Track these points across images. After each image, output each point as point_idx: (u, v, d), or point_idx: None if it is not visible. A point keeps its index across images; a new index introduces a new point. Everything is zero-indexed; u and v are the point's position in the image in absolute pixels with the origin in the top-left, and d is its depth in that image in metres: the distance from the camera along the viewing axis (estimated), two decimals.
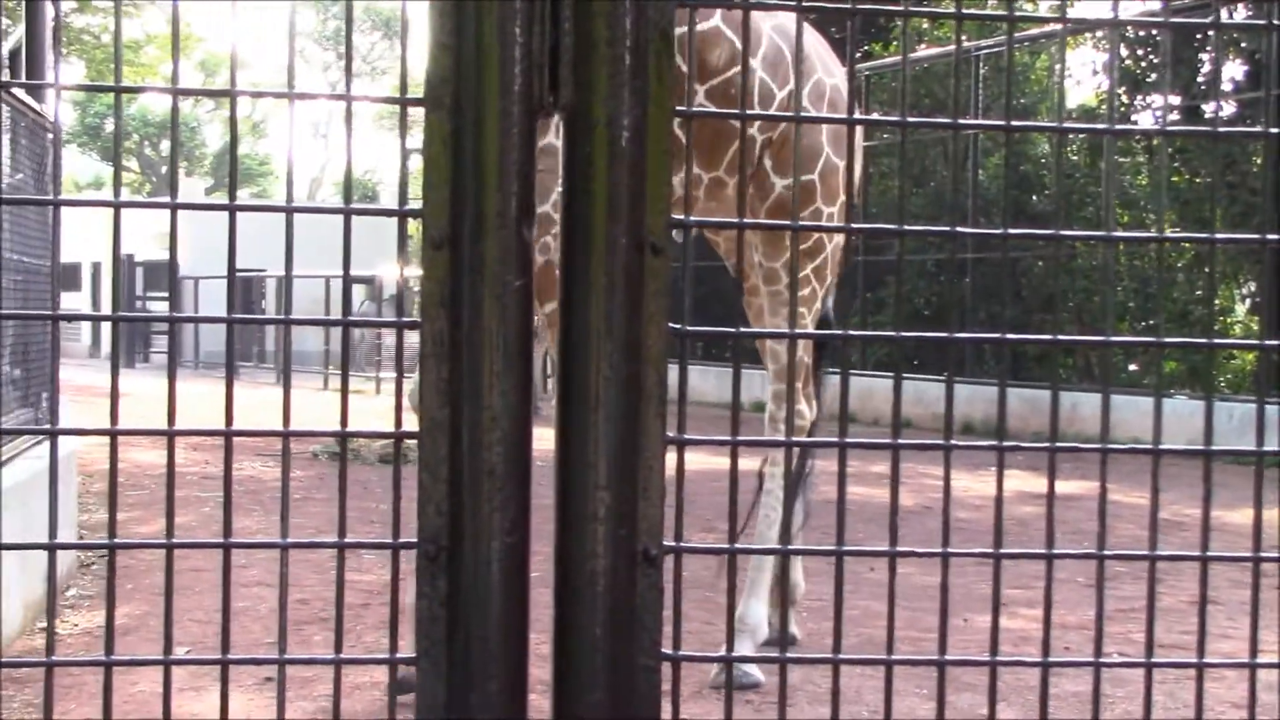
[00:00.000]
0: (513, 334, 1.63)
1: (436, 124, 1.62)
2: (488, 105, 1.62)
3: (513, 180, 1.63)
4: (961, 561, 1.72)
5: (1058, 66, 19.54)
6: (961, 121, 1.76)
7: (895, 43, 21.36)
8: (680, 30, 5.80)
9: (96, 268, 37.26)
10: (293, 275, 1.65)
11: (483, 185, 1.62)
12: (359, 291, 27.85)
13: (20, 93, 6.97)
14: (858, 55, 24.00)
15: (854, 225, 1.72)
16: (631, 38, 1.64)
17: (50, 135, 7.83)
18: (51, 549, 1.64)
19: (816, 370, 6.35)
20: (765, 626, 5.80)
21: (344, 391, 1.76)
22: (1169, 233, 1.81)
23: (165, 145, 55.84)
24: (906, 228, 1.76)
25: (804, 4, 1.73)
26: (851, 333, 1.80)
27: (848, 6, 1.72)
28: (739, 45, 5.57)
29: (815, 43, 5.96)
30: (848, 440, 1.77)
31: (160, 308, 34.28)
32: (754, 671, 5.60)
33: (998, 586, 1.75)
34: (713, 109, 4.63)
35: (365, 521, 9.07)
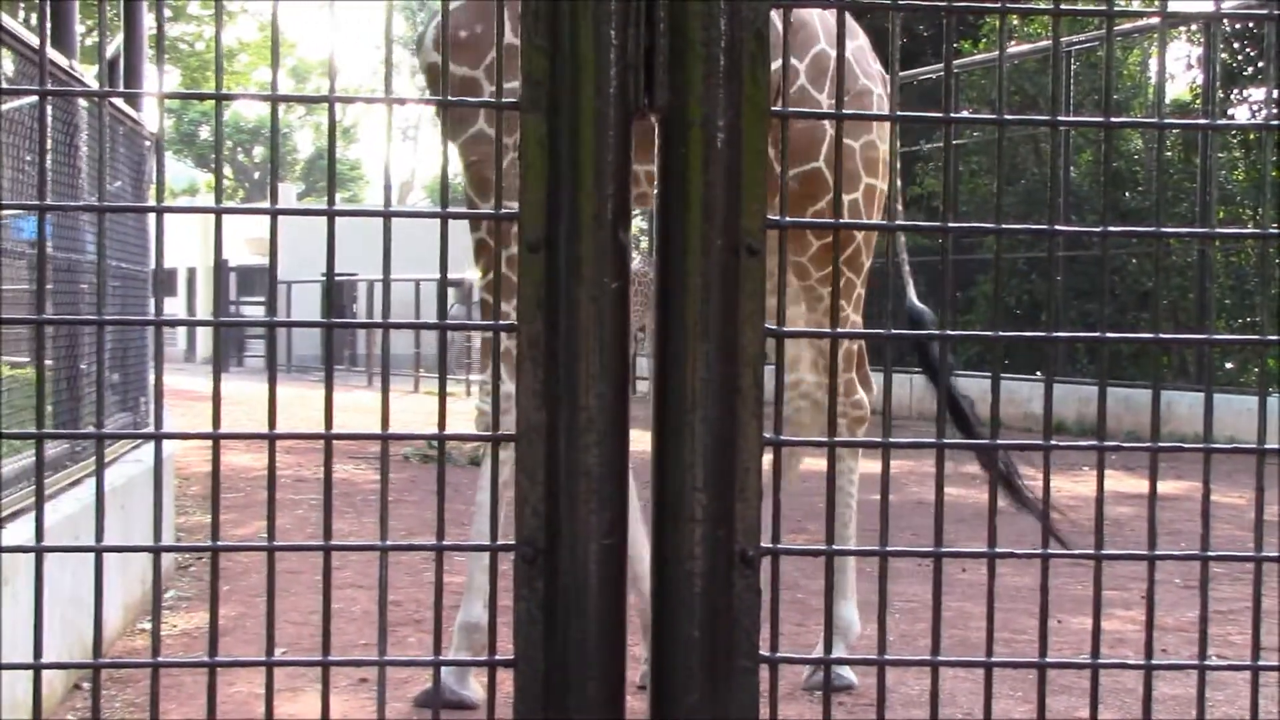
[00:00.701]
0: (609, 336, 1.63)
1: (532, 126, 1.63)
2: (583, 107, 1.63)
3: (608, 182, 1.63)
4: (1053, 562, 1.70)
5: (1152, 61, 19.31)
6: (1060, 118, 1.74)
7: (985, 40, 21.18)
8: None
9: (191, 273, 37.73)
10: (390, 279, 1.66)
11: (579, 187, 1.62)
12: (449, 294, 27.98)
13: (118, 100, 7.08)
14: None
15: (950, 225, 1.71)
16: (726, 38, 1.64)
17: (148, 143, 7.96)
18: (156, 551, 1.66)
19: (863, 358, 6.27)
20: (856, 627, 5.77)
21: (441, 395, 1.77)
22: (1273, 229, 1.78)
23: (258, 151, 56.57)
24: (1004, 226, 1.74)
25: (899, 3, 1.71)
26: (950, 333, 1.78)
27: (944, 4, 1.71)
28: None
29: (855, 48, 5.75)
30: (945, 441, 1.76)
31: (253, 312, 34.66)
32: (847, 673, 5.58)
33: (1099, 588, 1.73)
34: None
35: (456, 524, 9.10)
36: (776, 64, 5.54)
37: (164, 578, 7.35)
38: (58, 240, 6.51)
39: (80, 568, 5.12)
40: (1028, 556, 1.73)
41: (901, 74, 19.21)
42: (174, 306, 38.04)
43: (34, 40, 5.75)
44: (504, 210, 1.68)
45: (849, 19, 5.60)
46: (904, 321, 6.17)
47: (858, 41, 5.75)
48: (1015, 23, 20.88)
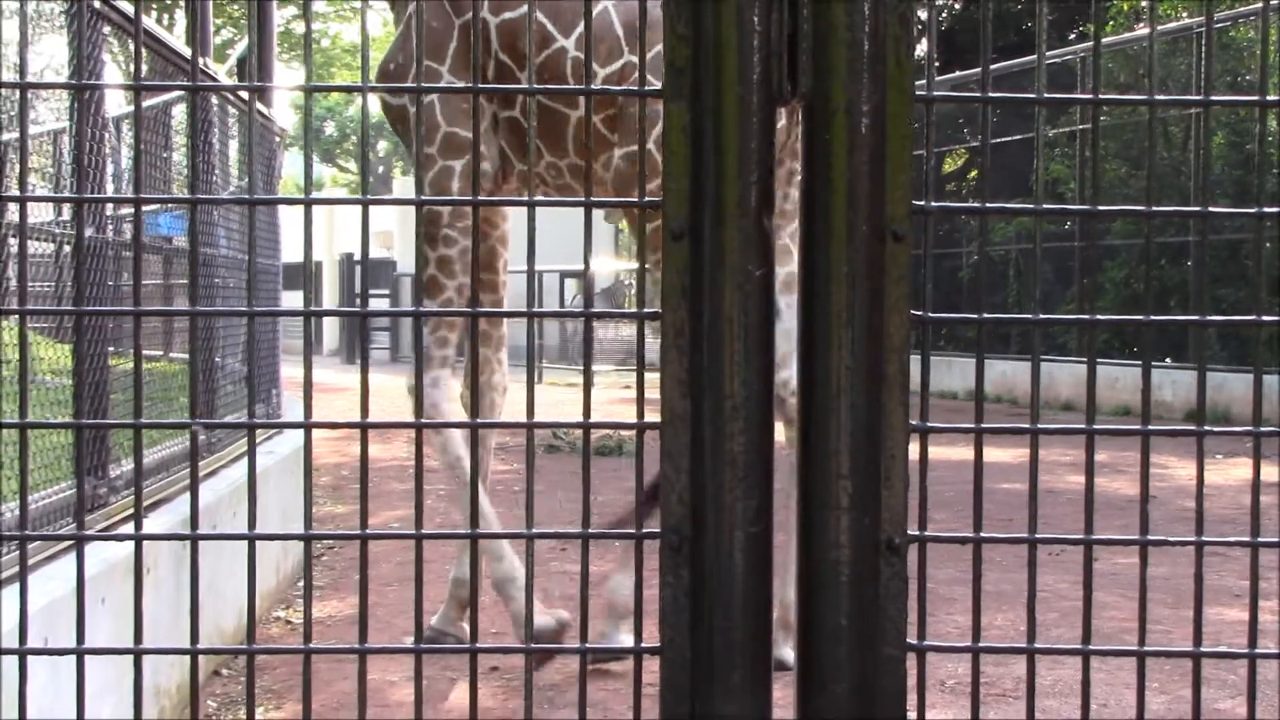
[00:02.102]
0: (754, 323, 1.63)
1: (676, 114, 1.62)
2: (726, 94, 1.62)
3: (753, 169, 1.62)
4: (1183, 552, 1.66)
5: None
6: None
7: (1111, 23, 20.82)
8: (506, 17, 5.85)
9: (317, 267, 38.25)
10: (534, 270, 1.67)
11: (723, 174, 1.62)
12: (571, 285, 28.12)
13: (247, 95, 7.18)
14: (1071, 35, 23.53)
15: (1101, 208, 1.68)
16: (870, 23, 1.62)
17: (278, 138, 8.07)
18: (306, 539, 1.68)
19: None
20: None
21: (586, 384, 1.78)
22: None
23: (382, 146, 57.16)
24: (1154, 209, 1.71)
25: None
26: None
27: None
28: (550, 28, 5.70)
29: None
30: (1095, 428, 1.73)
31: (377, 305, 35.04)
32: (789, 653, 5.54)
33: (1256, 576, 1.69)
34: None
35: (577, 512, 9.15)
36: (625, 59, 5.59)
37: (296, 567, 7.48)
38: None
39: (214, 557, 5.21)
40: (1181, 544, 1.70)
41: (1010, 62, 18.98)
42: (296, 300, 38.55)
43: (173, 41, 5.87)
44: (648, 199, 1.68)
45: None
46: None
47: None
48: (1144, 4, 20.54)
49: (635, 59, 5.58)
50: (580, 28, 5.52)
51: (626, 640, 5.76)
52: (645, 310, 1.68)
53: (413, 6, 6.65)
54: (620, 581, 5.93)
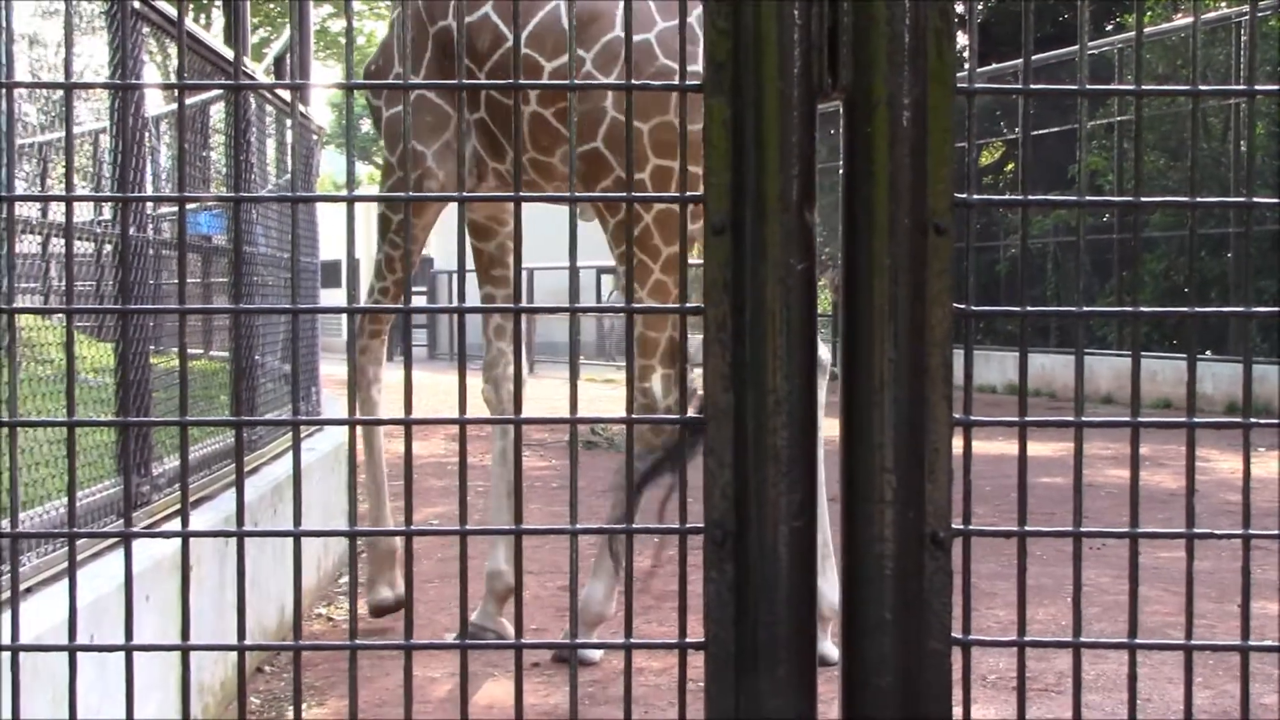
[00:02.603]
0: (796, 317, 1.62)
1: (716, 109, 1.62)
2: (767, 88, 1.62)
3: (794, 163, 1.62)
4: (1226, 546, 1.65)
5: None
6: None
7: (1150, 13, 20.69)
8: (466, 20, 6.00)
9: (356, 264, 38.32)
10: (577, 266, 1.67)
11: (764, 169, 1.62)
12: (607, 281, 28.11)
13: (285, 94, 7.21)
14: (1108, 26, 23.38)
15: (1144, 199, 1.67)
16: (911, 16, 1.62)
17: (315, 136, 8.10)
18: (351, 535, 1.69)
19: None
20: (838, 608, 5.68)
21: (628, 380, 1.78)
22: None
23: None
24: (1197, 199, 1.70)
25: None
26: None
27: None
28: (503, 29, 5.73)
29: (667, 29, 5.68)
30: (1140, 420, 1.72)
31: (417, 302, 35.13)
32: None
33: None
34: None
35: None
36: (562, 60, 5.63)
37: (338, 563, 7.50)
38: (231, 231, 6.67)
39: (255, 554, 5.23)
40: (1228, 538, 1.69)
41: (1047, 54, 18.89)
42: (338, 297, 38.66)
43: (211, 41, 5.89)
44: (689, 194, 1.67)
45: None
46: None
47: (669, 23, 5.66)
48: None
49: (581, 53, 5.61)
50: (532, 25, 5.65)
51: (590, 652, 5.86)
52: (687, 305, 1.68)
53: (396, 12, 6.92)
54: (594, 589, 6.04)
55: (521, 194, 1.68)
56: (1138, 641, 1.70)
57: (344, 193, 1.66)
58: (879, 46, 1.62)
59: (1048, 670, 5.58)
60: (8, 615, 1.64)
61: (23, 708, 1.67)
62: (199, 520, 5.08)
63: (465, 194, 1.78)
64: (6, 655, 1.65)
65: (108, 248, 5.13)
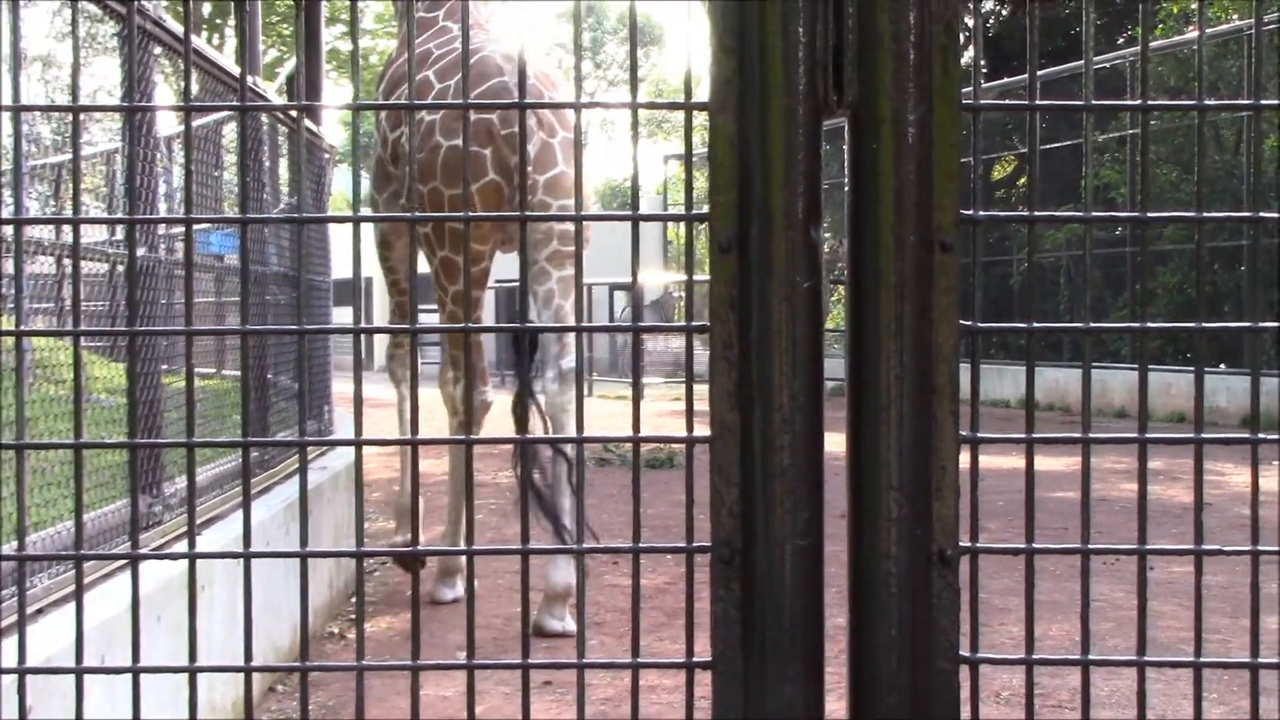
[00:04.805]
0: (803, 335, 1.62)
1: (721, 126, 1.62)
2: (772, 106, 1.62)
3: (799, 180, 1.62)
4: (1240, 560, 1.64)
5: None
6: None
7: (1161, 26, 20.68)
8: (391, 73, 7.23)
9: (368, 283, 38.43)
10: (583, 282, 1.67)
11: (769, 186, 1.61)
12: (620, 298, 28.13)
13: (296, 114, 7.23)
14: (1120, 40, 23.37)
15: (1150, 214, 1.67)
16: (915, 32, 1.62)
17: (327, 155, 8.12)
18: (358, 555, 1.69)
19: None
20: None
21: (635, 398, 1.77)
22: None
23: None
24: (1205, 214, 1.70)
25: None
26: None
27: None
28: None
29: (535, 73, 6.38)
30: (1147, 436, 1.72)
31: (428, 319, 35.10)
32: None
33: None
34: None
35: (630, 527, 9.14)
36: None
37: (348, 583, 7.50)
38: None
39: (268, 574, 5.23)
40: (1236, 554, 1.68)
41: (1058, 67, 18.88)
42: (346, 316, 38.75)
43: (222, 60, 5.91)
44: (695, 212, 1.67)
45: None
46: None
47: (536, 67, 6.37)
48: (1194, 7, 20.38)
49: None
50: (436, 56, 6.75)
51: (556, 624, 6.42)
52: (694, 323, 1.67)
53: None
54: (553, 568, 6.48)
55: (416, 214, 1.68)
56: (1146, 659, 1.70)
57: (365, 212, 1.66)
58: (884, 63, 1.62)
59: (1061, 687, 5.56)
60: (14, 639, 1.64)
61: None
62: (212, 539, 5.08)
63: (370, 217, 1.78)
64: (15, 677, 1.65)
65: (120, 268, 5.14)
